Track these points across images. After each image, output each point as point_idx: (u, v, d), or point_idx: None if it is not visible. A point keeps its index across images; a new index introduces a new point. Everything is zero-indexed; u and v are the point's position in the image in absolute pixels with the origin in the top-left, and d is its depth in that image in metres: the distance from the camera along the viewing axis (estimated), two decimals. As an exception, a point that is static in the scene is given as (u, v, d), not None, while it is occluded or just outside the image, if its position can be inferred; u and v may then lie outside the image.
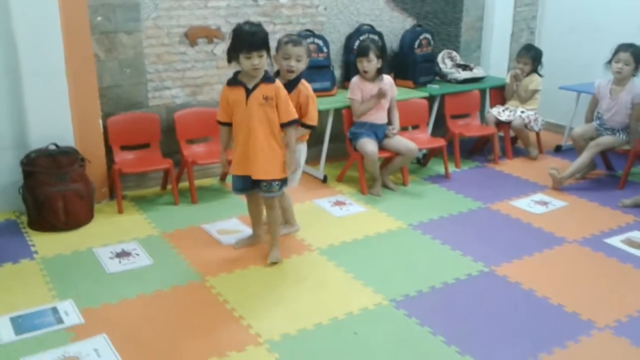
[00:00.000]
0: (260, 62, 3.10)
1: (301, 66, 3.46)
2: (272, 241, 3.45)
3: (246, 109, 3.19)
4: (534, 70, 5.26)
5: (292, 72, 3.44)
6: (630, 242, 3.68)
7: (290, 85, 3.42)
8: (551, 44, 5.78)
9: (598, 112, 4.71)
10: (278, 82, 3.23)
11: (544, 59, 5.31)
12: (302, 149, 3.63)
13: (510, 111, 5.18)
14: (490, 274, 3.30)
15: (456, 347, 2.65)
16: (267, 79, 3.19)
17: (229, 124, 3.31)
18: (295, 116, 3.25)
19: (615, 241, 3.70)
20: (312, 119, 3.50)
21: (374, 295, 3.08)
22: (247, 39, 3.07)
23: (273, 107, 3.18)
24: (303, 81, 3.49)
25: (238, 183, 3.37)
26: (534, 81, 5.23)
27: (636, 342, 2.69)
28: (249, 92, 3.17)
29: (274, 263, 3.36)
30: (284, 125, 3.23)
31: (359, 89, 4.41)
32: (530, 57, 5.23)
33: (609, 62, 4.56)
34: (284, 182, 3.32)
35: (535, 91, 5.21)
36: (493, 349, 2.64)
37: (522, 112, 5.15)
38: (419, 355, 2.61)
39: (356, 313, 2.92)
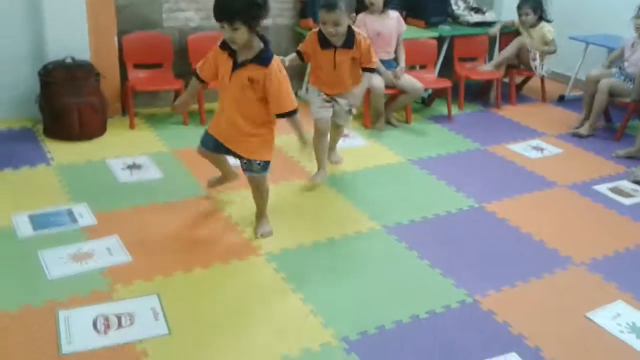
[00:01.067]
0: (234, 36, 2.56)
1: (342, 29, 3.30)
2: (258, 218, 3.06)
3: (228, 85, 2.73)
4: (540, 18, 5.24)
5: (333, 37, 3.33)
6: (618, 190, 3.85)
7: (347, 43, 3.38)
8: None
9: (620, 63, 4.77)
10: (273, 65, 2.66)
11: (556, 8, 5.30)
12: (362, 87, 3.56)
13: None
14: (480, 210, 3.49)
15: (439, 270, 2.86)
16: (262, 58, 2.64)
17: (203, 82, 2.93)
18: (291, 107, 2.74)
19: (603, 188, 3.87)
20: (374, 62, 3.52)
21: (369, 221, 3.27)
22: (215, 6, 2.58)
23: (259, 92, 2.69)
24: (357, 31, 3.42)
25: (210, 142, 2.95)
26: (545, 30, 5.19)
27: (607, 278, 2.90)
28: (235, 66, 2.68)
29: (262, 236, 3.01)
30: (279, 116, 2.79)
31: (363, 25, 4.45)
32: (530, 7, 5.17)
33: (636, 16, 4.57)
34: (267, 163, 2.88)
35: (553, 39, 5.20)
36: (473, 274, 2.85)
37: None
38: (405, 274, 2.83)
39: (351, 235, 3.12)
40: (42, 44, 3.99)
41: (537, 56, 5.16)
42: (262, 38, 2.68)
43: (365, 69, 3.51)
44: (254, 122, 2.78)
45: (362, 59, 3.45)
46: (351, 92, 3.53)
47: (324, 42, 3.38)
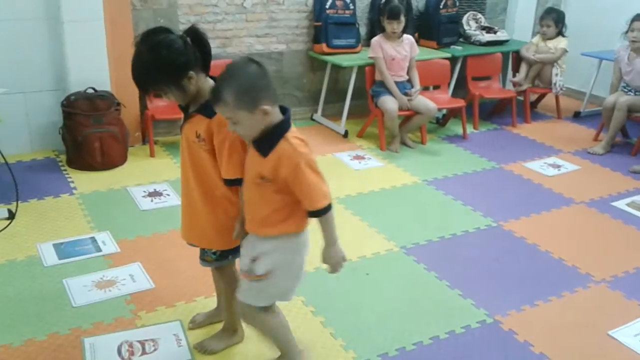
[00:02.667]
0: (169, 99, 2.02)
1: (243, 131, 1.86)
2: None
3: (181, 143, 2.12)
4: (559, 32, 5.31)
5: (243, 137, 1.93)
6: (636, 206, 3.83)
7: (261, 147, 1.88)
8: (576, 9, 5.80)
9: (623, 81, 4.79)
10: (220, 117, 1.88)
11: (568, 24, 5.35)
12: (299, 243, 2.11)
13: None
14: (497, 229, 3.49)
15: (459, 291, 2.87)
16: (206, 108, 1.95)
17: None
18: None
19: (622, 204, 3.85)
20: (315, 200, 1.91)
21: (386, 242, 3.30)
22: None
23: (209, 152, 2.00)
24: (287, 137, 1.87)
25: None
26: (561, 41, 5.27)
27: (629, 296, 2.88)
28: (185, 118, 2.08)
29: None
30: (229, 183, 2.02)
31: (379, 48, 4.53)
32: (552, 19, 5.28)
33: (626, 32, 4.64)
34: (224, 253, 2.21)
35: (565, 50, 5.25)
36: (493, 294, 2.86)
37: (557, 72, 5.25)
38: (424, 295, 2.84)
39: (369, 257, 3.14)
40: (65, 76, 4.11)
41: (559, 70, 5.20)
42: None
43: (310, 213, 1.96)
44: (213, 192, 2.07)
45: (297, 194, 1.90)
46: (248, 240, 2.04)
47: None
